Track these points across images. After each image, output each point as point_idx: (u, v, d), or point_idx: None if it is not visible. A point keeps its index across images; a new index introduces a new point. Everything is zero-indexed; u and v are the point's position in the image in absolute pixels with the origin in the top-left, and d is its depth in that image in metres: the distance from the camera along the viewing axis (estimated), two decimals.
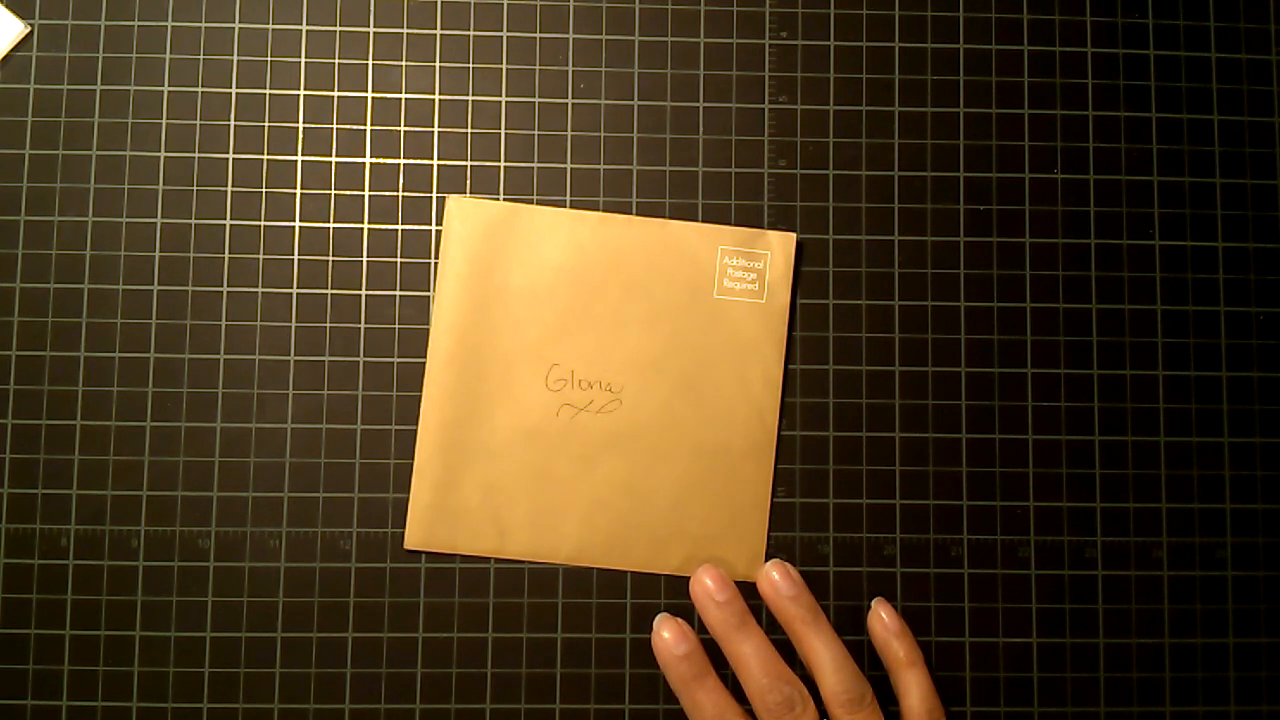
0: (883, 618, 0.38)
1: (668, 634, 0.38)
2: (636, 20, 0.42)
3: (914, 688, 0.37)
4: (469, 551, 0.40)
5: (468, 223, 0.40)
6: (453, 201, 0.40)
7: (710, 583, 0.38)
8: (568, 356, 0.40)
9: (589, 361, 0.40)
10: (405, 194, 0.41)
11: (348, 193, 0.41)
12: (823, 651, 0.37)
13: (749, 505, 0.40)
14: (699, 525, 0.40)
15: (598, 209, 0.41)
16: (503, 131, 0.41)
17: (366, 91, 0.41)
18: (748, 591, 0.39)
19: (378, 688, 0.39)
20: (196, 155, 0.41)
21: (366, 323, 0.40)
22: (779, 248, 0.41)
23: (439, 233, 0.41)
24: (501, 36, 0.42)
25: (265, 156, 0.41)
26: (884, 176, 0.42)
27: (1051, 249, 0.42)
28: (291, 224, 0.41)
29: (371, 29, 0.41)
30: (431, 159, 0.41)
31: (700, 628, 0.39)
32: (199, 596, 0.39)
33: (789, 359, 0.41)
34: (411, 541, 0.39)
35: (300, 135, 0.41)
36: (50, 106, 0.41)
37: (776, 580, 0.38)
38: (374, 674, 0.39)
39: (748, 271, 0.41)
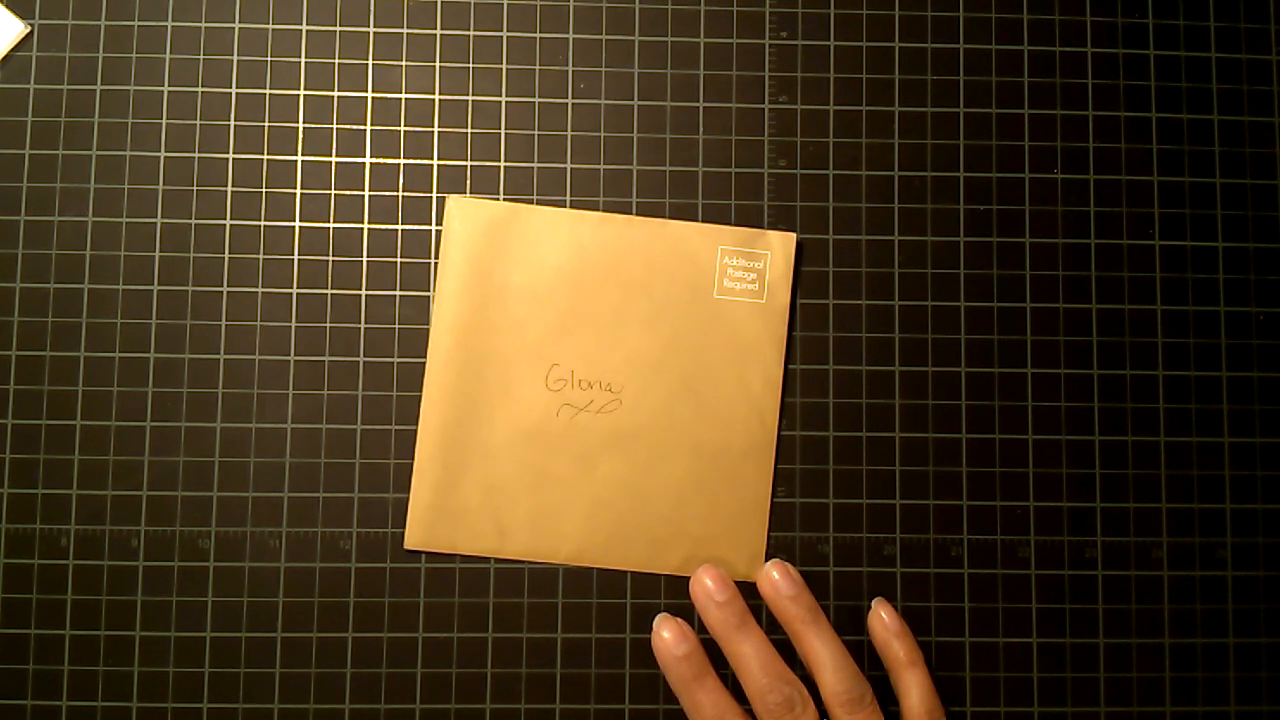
0: (883, 618, 0.38)
1: (667, 634, 0.38)
2: (636, 20, 0.42)
3: (914, 688, 0.37)
4: (469, 551, 0.40)
5: (468, 222, 0.40)
6: (453, 201, 0.40)
7: (710, 583, 0.38)
8: (568, 356, 0.40)
9: (589, 361, 0.40)
10: (405, 194, 0.41)
11: (348, 193, 0.41)
12: (822, 651, 0.37)
13: (749, 505, 0.40)
14: (699, 525, 0.40)
15: (598, 209, 0.41)
16: (503, 131, 0.41)
17: (366, 91, 0.41)
18: (748, 591, 0.39)
19: (378, 688, 0.39)
20: (196, 155, 0.41)
21: (366, 323, 0.40)
22: (779, 248, 0.41)
23: (439, 233, 0.41)
24: (501, 36, 0.42)
25: (265, 156, 0.41)
26: (884, 176, 0.42)
27: (1051, 249, 0.42)
28: (291, 224, 0.41)
29: (371, 29, 0.41)
30: (431, 159, 0.41)
31: (700, 628, 0.39)
32: (199, 596, 0.39)
33: (789, 359, 0.41)
34: (412, 542, 0.39)
35: (300, 135, 0.41)
36: (50, 106, 0.41)
37: (776, 580, 0.38)
38: (374, 674, 0.39)
39: (748, 271, 0.41)
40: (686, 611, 0.40)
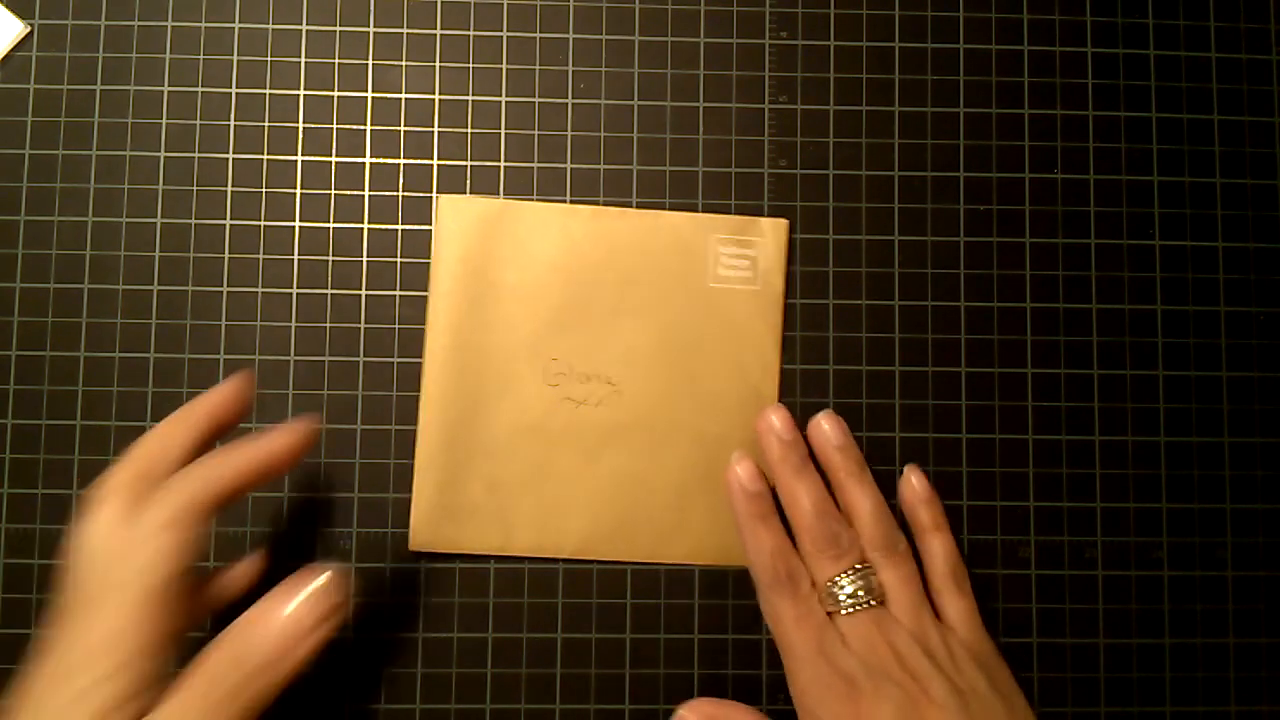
0: (913, 483, 0.39)
1: (742, 471, 0.38)
2: (636, 20, 0.42)
3: (938, 550, 0.38)
4: (474, 550, 0.40)
5: (460, 220, 0.40)
6: (444, 200, 0.40)
7: (777, 421, 0.39)
8: (565, 350, 0.40)
9: (586, 355, 0.40)
10: (405, 194, 0.41)
11: (348, 193, 0.41)
12: (864, 501, 0.38)
13: None
14: (703, 514, 0.40)
15: None
16: (503, 131, 0.41)
17: (366, 91, 0.41)
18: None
19: (378, 688, 0.39)
20: (196, 155, 0.41)
21: (366, 323, 0.40)
22: (771, 234, 0.41)
23: None
24: (501, 36, 0.42)
25: (265, 156, 0.41)
26: (884, 176, 0.42)
27: (1051, 249, 0.42)
28: (291, 224, 0.41)
29: (371, 29, 0.41)
30: (431, 159, 0.41)
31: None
32: None
33: (789, 358, 0.41)
34: (416, 543, 0.39)
35: (300, 135, 0.41)
36: (50, 106, 0.41)
37: (826, 430, 0.39)
38: (374, 674, 0.39)
39: (741, 259, 0.41)
40: (687, 610, 0.40)
